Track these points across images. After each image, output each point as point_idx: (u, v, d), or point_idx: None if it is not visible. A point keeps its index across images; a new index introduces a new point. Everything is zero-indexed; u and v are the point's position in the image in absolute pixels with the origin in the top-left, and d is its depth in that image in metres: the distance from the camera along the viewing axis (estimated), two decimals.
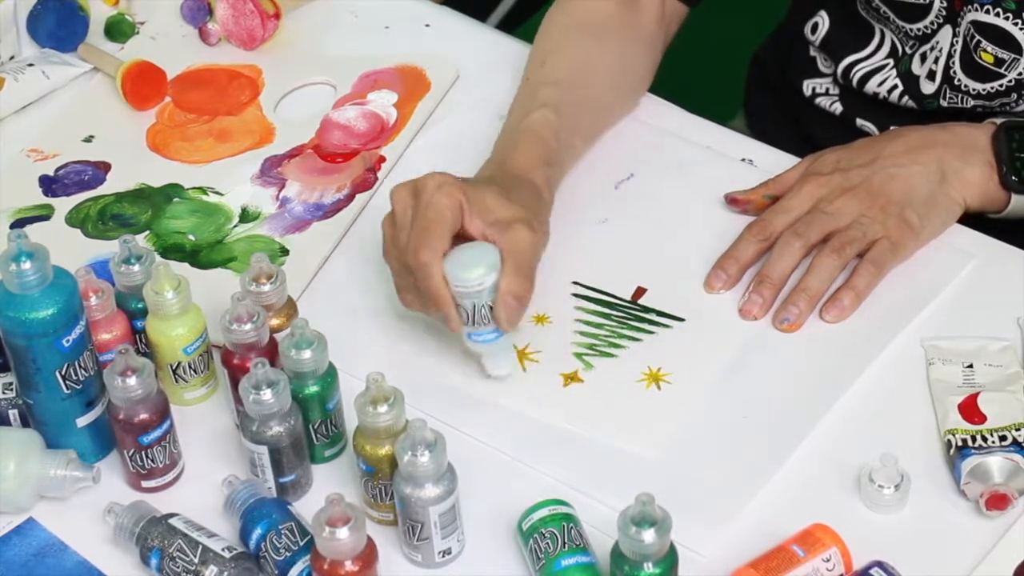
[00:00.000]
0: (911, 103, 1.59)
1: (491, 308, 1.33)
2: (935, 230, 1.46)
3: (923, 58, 1.57)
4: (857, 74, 1.62)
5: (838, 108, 1.65)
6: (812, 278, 1.41)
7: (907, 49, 1.58)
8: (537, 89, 1.52)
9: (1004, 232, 1.49)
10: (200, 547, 1.25)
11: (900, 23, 1.57)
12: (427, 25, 1.73)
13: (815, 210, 1.44)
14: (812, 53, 1.68)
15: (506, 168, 1.44)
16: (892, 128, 1.58)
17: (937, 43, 1.55)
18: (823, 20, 1.65)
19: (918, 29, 1.56)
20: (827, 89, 1.66)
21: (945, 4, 1.53)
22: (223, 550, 1.24)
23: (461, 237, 1.35)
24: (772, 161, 1.56)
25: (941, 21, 1.54)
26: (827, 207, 1.44)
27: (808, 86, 1.68)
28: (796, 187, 1.47)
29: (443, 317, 1.34)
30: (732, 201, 1.50)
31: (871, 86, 1.61)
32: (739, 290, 1.44)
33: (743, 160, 1.56)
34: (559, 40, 1.57)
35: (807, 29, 1.66)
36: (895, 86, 1.60)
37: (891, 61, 1.60)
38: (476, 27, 1.75)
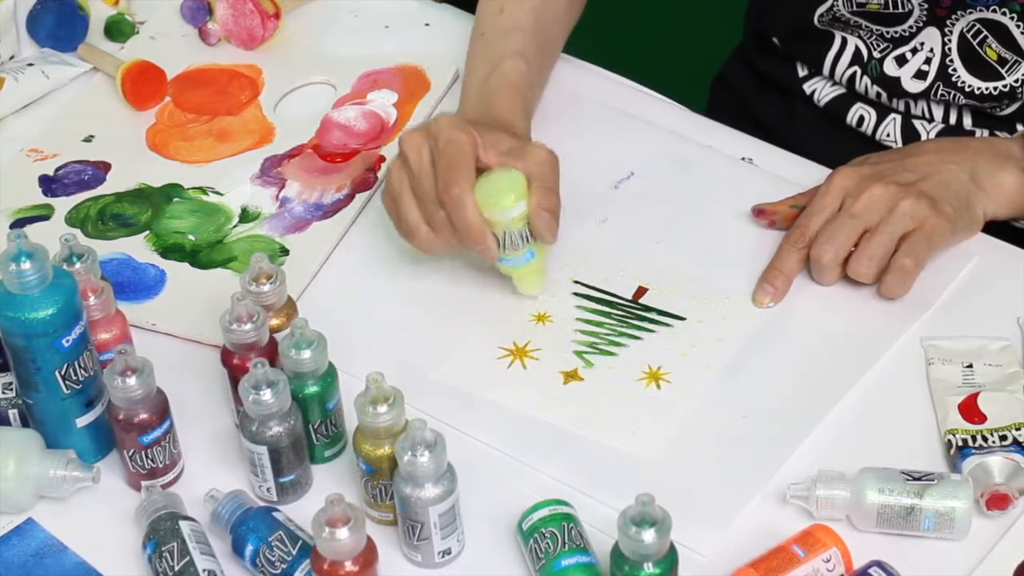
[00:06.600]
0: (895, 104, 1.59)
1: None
2: (967, 229, 1.43)
3: (900, 60, 1.56)
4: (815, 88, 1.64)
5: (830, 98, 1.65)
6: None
7: (876, 53, 1.57)
8: (502, 37, 1.55)
9: (1004, 232, 1.48)
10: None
11: (874, 27, 1.56)
12: (427, 24, 1.73)
13: (843, 213, 1.41)
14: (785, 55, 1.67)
15: (490, 117, 1.46)
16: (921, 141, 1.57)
17: (922, 44, 1.54)
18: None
19: (895, 32, 1.55)
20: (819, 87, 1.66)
21: (926, 8, 1.52)
22: None
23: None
24: (773, 161, 1.56)
25: (921, 25, 1.54)
26: (854, 205, 1.40)
27: (802, 67, 1.67)
28: (825, 184, 1.43)
29: (479, 248, 1.37)
30: (759, 213, 1.48)
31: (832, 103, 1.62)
32: (742, 289, 1.44)
33: (743, 159, 1.56)
34: None
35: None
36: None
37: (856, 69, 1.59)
38: None
